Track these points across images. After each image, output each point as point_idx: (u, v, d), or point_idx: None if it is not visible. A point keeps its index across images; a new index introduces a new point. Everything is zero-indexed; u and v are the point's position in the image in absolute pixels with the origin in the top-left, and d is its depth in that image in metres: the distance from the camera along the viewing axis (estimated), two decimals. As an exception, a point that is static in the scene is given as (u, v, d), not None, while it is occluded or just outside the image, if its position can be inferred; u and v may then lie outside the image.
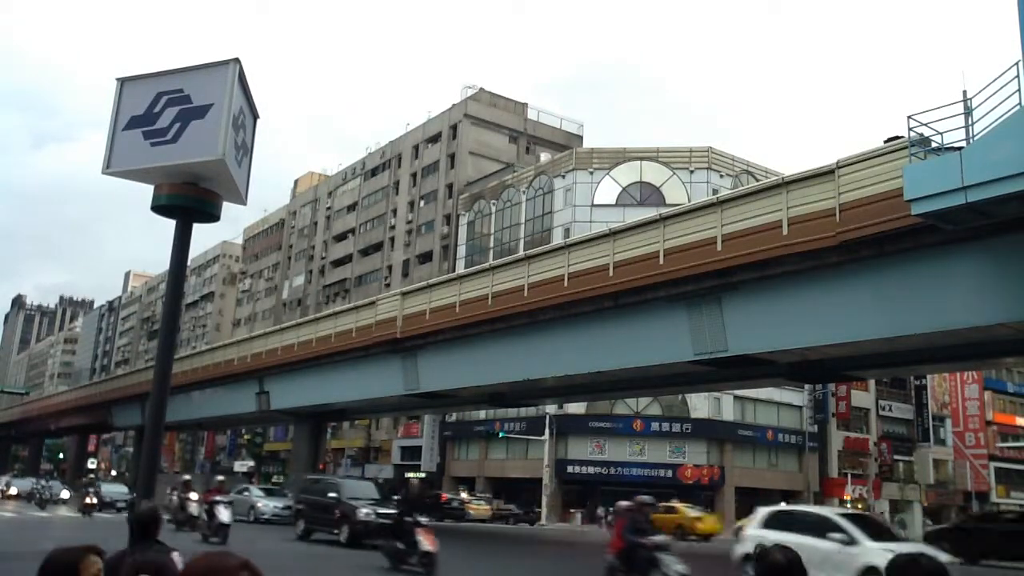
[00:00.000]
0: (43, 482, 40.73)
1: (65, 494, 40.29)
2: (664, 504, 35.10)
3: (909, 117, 14.79)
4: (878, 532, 14.87)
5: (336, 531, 22.03)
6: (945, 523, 34.59)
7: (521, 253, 30.78)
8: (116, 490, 37.18)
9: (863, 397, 56.22)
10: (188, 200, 4.27)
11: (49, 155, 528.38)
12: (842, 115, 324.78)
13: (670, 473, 47.63)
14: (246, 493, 34.03)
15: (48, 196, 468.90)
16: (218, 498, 21.07)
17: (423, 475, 56.24)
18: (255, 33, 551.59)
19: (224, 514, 20.45)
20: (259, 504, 31.81)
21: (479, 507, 44.45)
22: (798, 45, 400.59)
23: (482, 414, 51.30)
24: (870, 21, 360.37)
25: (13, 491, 43.39)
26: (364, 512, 21.29)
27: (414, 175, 67.62)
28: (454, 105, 65.50)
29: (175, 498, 24.50)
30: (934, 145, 14.79)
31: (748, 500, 48.35)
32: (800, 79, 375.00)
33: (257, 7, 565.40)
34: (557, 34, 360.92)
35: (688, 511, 37.02)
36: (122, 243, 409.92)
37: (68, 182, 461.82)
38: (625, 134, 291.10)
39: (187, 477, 26.85)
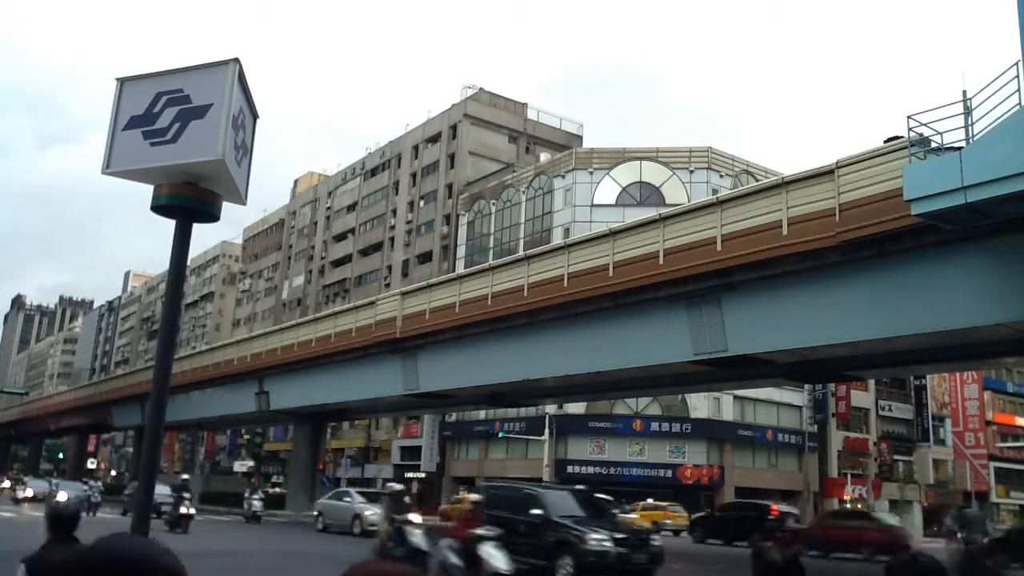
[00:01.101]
0: (91, 483, 35.89)
1: (96, 497, 35.72)
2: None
3: (909, 117, 14.82)
4: None
5: (545, 561, 15.78)
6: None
7: (521, 253, 30.76)
8: (159, 491, 32.25)
9: (863, 397, 56.20)
10: (188, 200, 4.26)
11: (53, 156, 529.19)
12: (842, 115, 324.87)
13: (670, 473, 47.60)
14: (347, 500, 29.39)
15: (52, 197, 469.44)
16: (482, 531, 13.31)
17: (422, 475, 56.31)
18: (255, 33, 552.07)
19: (499, 560, 12.88)
20: (367, 514, 26.54)
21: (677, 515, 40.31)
22: (798, 45, 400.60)
23: (482, 414, 51.28)
24: (870, 21, 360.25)
25: (28, 492, 39.45)
26: (596, 539, 15.34)
27: (414, 175, 67.61)
28: (454, 105, 65.48)
29: (383, 521, 16.00)
30: (934, 145, 14.80)
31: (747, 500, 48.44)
32: (800, 79, 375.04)
33: (257, 7, 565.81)
34: (557, 35, 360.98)
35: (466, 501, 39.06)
36: (124, 244, 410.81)
37: (71, 183, 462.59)
38: (625, 134, 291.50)
39: (398, 487, 17.40)
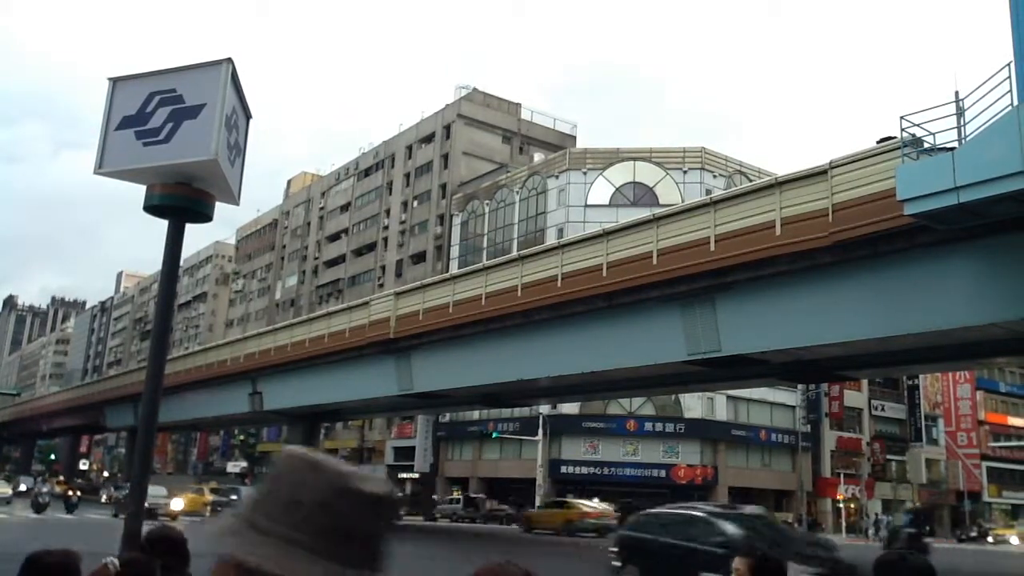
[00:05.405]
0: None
1: (178, 504, 31.33)
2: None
3: (902, 118, 14.84)
4: None
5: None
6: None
7: (515, 253, 30.74)
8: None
9: (856, 397, 56.34)
10: (181, 200, 4.25)
11: (64, 162, 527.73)
12: (836, 116, 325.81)
13: (663, 473, 47.63)
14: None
15: (59, 201, 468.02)
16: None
17: (416, 475, 56.24)
18: (253, 34, 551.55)
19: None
20: None
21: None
22: (795, 47, 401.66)
23: (476, 414, 51.23)
24: (866, 23, 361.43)
25: (178, 505, 32.85)
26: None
27: (407, 175, 67.52)
28: (447, 105, 65.43)
29: None
30: (927, 145, 14.83)
31: (741, 500, 48.50)
32: (795, 80, 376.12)
33: (257, 9, 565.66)
34: (556, 38, 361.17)
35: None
36: (126, 246, 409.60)
37: (78, 187, 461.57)
38: (623, 136, 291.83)
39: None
